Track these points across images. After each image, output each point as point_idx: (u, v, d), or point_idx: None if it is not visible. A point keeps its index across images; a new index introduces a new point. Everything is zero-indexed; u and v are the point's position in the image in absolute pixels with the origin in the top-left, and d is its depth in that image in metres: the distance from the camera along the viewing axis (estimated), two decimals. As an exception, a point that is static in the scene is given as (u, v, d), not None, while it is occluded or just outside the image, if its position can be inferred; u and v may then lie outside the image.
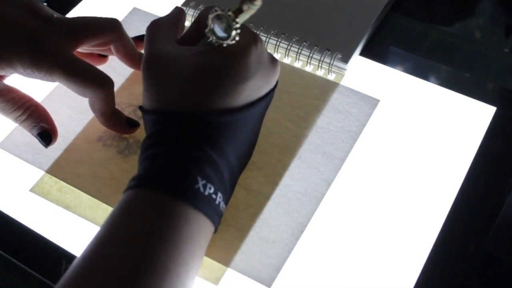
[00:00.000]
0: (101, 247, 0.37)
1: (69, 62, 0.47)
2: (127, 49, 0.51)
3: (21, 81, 0.50)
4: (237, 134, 0.42)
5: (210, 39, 0.41)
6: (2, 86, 0.48)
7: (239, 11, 0.39)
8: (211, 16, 0.40)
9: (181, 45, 0.44)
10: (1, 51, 0.45)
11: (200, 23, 0.46)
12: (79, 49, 0.51)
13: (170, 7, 0.60)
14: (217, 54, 0.41)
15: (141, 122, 0.50)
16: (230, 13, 0.39)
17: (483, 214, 0.46)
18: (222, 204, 0.40)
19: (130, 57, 0.52)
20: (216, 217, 0.40)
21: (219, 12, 0.40)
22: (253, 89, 0.42)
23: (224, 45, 0.41)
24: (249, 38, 0.42)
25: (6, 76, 0.49)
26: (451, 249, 0.45)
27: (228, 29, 0.40)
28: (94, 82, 0.47)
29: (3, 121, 0.52)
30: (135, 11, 0.60)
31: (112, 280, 0.35)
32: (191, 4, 0.58)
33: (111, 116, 0.50)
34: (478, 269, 0.44)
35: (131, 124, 0.51)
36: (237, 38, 0.40)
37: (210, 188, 0.39)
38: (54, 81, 0.47)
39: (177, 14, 0.49)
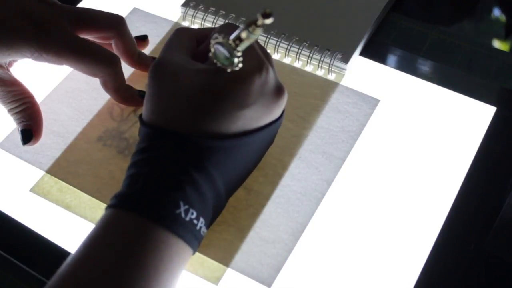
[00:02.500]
0: (78, 267, 0.36)
1: (77, 43, 0.48)
2: (127, 47, 0.52)
3: (24, 78, 0.51)
4: (228, 161, 0.40)
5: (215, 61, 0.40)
6: (8, 76, 0.49)
7: (239, 39, 0.38)
8: (212, 43, 0.39)
9: (194, 58, 0.44)
10: (8, 36, 0.46)
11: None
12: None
13: (170, 7, 0.60)
14: (219, 77, 0.40)
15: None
16: (230, 41, 0.38)
17: (483, 214, 0.46)
18: (203, 229, 0.39)
19: (129, 55, 0.52)
20: (195, 242, 0.39)
21: (220, 39, 0.38)
22: (251, 118, 0.41)
23: (228, 70, 0.40)
24: (255, 65, 0.40)
25: (14, 61, 0.50)
26: (451, 249, 0.45)
27: (230, 56, 0.39)
28: (104, 60, 0.48)
29: (3, 121, 0.52)
30: (135, 11, 0.60)
31: None
32: (191, 4, 0.58)
33: (124, 91, 0.51)
34: (478, 269, 0.44)
35: (144, 96, 0.51)
36: (240, 65, 0.39)
37: (192, 214, 0.38)
38: (62, 63, 0.48)
39: (206, 29, 0.48)
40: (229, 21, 0.57)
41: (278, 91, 0.42)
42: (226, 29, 0.42)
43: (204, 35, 0.46)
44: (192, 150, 0.39)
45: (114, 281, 0.35)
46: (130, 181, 0.39)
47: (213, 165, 0.39)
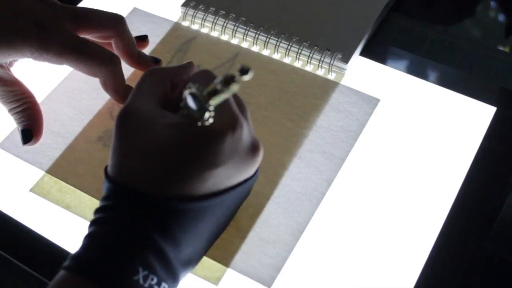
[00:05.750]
0: None
1: (77, 43, 0.48)
2: (127, 46, 0.52)
3: (24, 78, 0.51)
4: (198, 223, 0.38)
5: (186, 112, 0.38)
6: (9, 76, 0.50)
7: (214, 92, 0.35)
8: (185, 92, 0.37)
9: (166, 104, 0.41)
10: (9, 36, 0.46)
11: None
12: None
13: (170, 7, 0.60)
14: (189, 133, 0.37)
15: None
16: (204, 93, 0.35)
17: (483, 214, 0.46)
18: None
19: (129, 55, 0.52)
20: None
21: (193, 90, 0.36)
22: (222, 177, 0.38)
23: (198, 124, 0.37)
24: (228, 122, 0.38)
25: (15, 61, 0.50)
26: (451, 249, 0.45)
27: (201, 109, 0.36)
28: (104, 60, 0.48)
29: (3, 121, 0.52)
30: (135, 11, 0.60)
31: None
32: (191, 4, 0.58)
33: (124, 92, 0.50)
34: (478, 269, 0.44)
35: None
36: (210, 120, 0.36)
37: (152, 279, 0.35)
38: (62, 63, 0.48)
39: (182, 68, 0.46)
40: (229, 22, 0.57)
41: (253, 149, 0.40)
42: (202, 79, 0.40)
43: (179, 76, 0.44)
44: (158, 213, 0.36)
45: None
46: (88, 242, 0.36)
47: (181, 229, 0.37)
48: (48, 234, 0.46)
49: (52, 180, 0.49)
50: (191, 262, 0.39)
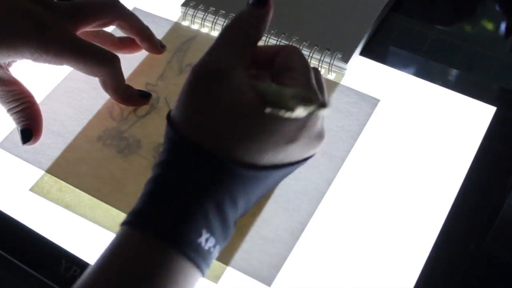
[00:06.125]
0: (94, 281, 0.35)
1: (76, 43, 0.48)
2: (132, 24, 0.53)
3: (24, 78, 0.51)
4: (253, 189, 0.39)
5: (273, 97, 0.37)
6: (8, 76, 0.50)
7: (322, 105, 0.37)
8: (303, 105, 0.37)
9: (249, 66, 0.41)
10: (8, 37, 0.46)
11: (280, 56, 0.42)
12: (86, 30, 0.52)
13: (170, 7, 0.60)
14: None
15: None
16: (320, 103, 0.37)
17: (483, 214, 0.46)
18: (215, 254, 0.38)
19: (137, 31, 0.53)
20: (207, 269, 0.37)
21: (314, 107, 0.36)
22: (286, 155, 0.39)
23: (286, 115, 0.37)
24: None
25: (14, 62, 0.50)
26: (451, 249, 0.45)
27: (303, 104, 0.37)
28: (103, 60, 0.49)
29: (3, 121, 0.52)
30: (135, 11, 0.60)
31: None
32: (191, 4, 0.58)
33: (124, 91, 0.51)
34: (478, 269, 0.44)
35: (143, 96, 0.52)
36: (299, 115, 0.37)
37: (211, 242, 0.36)
38: (61, 64, 0.48)
39: (264, 14, 0.41)
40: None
41: (320, 135, 0.42)
42: (299, 65, 0.41)
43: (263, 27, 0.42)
44: (226, 177, 0.37)
45: None
46: (151, 198, 0.36)
47: (241, 194, 0.38)
48: (48, 234, 0.46)
49: (52, 179, 0.49)
50: (235, 223, 0.39)
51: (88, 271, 0.36)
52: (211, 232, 0.36)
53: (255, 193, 0.39)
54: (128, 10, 0.53)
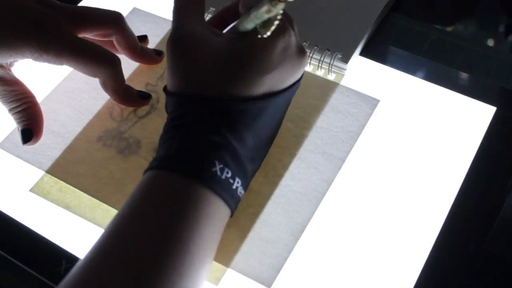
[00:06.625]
0: (121, 226, 0.38)
1: (76, 43, 0.48)
2: (129, 42, 0.52)
3: (24, 78, 0.51)
4: (257, 121, 0.42)
5: (248, 24, 0.40)
6: (9, 76, 0.50)
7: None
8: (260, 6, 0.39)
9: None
10: (9, 37, 0.46)
11: (230, 10, 0.47)
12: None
13: (170, 7, 0.60)
14: (244, 43, 0.41)
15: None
16: (256, 15, 0.39)
17: (483, 214, 0.46)
18: (240, 190, 0.41)
19: (131, 50, 0.53)
20: (232, 201, 0.40)
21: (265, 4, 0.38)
22: (277, 80, 0.42)
23: (260, 35, 0.39)
24: (278, 30, 0.41)
25: (15, 61, 0.50)
26: (451, 249, 0.45)
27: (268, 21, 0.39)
28: (103, 61, 0.49)
29: (3, 121, 0.52)
30: (135, 11, 0.60)
31: (133, 258, 0.36)
32: (191, 4, 0.58)
33: (124, 92, 0.51)
34: (478, 269, 0.44)
35: (143, 96, 0.53)
36: (268, 34, 0.39)
37: (227, 173, 0.39)
38: (62, 64, 0.48)
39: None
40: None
41: (300, 52, 0.44)
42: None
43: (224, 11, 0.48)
44: (224, 113, 0.41)
45: (160, 238, 0.37)
46: (167, 145, 0.40)
47: (245, 127, 0.41)
48: (48, 234, 0.46)
49: (52, 180, 0.49)
50: (255, 160, 0.43)
51: (115, 216, 0.39)
52: (224, 164, 0.39)
53: (261, 126, 0.42)
54: (129, 28, 0.52)
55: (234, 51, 0.41)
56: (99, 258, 0.36)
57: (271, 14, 0.38)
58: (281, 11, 0.38)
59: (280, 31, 0.41)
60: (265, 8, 0.38)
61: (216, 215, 0.39)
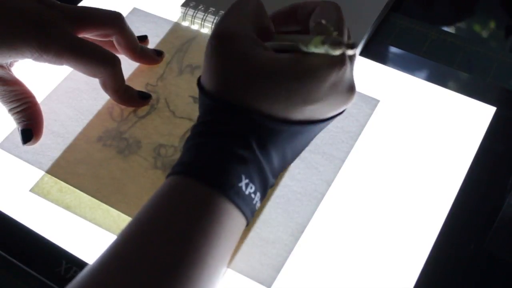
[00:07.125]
0: (140, 230, 0.37)
1: (76, 43, 0.48)
2: (129, 42, 0.52)
3: (24, 78, 0.51)
4: (287, 145, 0.41)
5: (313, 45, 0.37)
6: (10, 76, 0.50)
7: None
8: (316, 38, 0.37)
9: (259, 33, 0.42)
10: (9, 37, 0.46)
11: (316, 10, 0.44)
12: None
13: (170, 7, 0.60)
14: (295, 69, 0.39)
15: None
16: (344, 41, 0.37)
17: (483, 214, 0.46)
18: (258, 204, 0.41)
19: (131, 50, 0.53)
20: (250, 215, 0.40)
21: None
22: (319, 111, 0.41)
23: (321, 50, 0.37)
24: (335, 60, 0.38)
25: (15, 61, 0.50)
26: (451, 249, 0.45)
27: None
28: (103, 61, 0.49)
29: (3, 121, 0.52)
30: (135, 11, 0.60)
31: (150, 263, 0.35)
32: (191, 4, 0.58)
33: (124, 92, 0.51)
34: (478, 269, 0.44)
35: (143, 97, 0.52)
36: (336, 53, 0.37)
37: (251, 188, 0.39)
38: (62, 64, 0.48)
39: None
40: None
41: (350, 89, 0.41)
42: (328, 15, 0.43)
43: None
44: (258, 130, 0.40)
45: (179, 246, 0.36)
46: (195, 151, 0.39)
47: (274, 147, 0.40)
48: (48, 234, 0.46)
49: (52, 180, 0.49)
50: (274, 176, 0.42)
51: (132, 220, 0.38)
52: (250, 179, 0.39)
53: (290, 149, 0.42)
54: (129, 28, 0.52)
55: (283, 71, 0.39)
56: (116, 262, 0.36)
57: (334, 52, 0.36)
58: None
59: (337, 63, 0.38)
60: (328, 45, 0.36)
61: (235, 229, 0.39)
